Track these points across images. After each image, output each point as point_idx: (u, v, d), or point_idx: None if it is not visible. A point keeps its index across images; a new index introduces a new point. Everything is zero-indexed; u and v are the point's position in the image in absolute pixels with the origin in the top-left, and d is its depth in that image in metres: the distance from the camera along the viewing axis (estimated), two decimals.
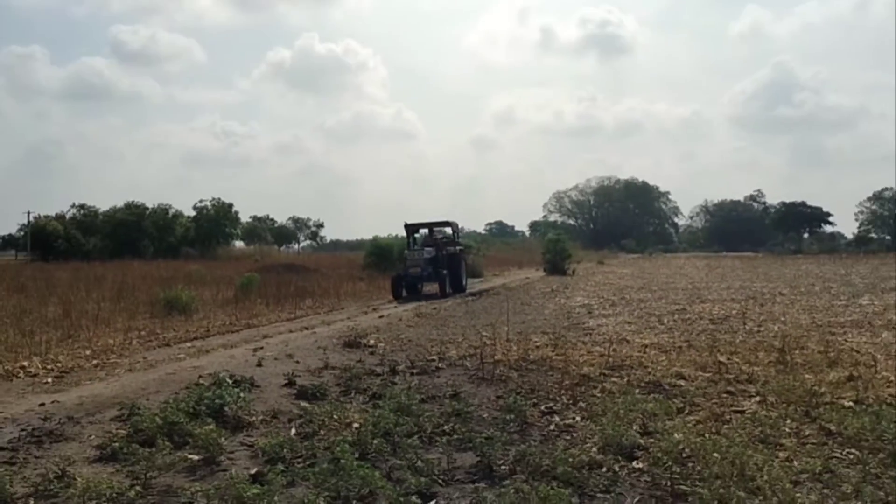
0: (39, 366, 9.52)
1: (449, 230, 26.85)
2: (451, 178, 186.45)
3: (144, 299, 18.96)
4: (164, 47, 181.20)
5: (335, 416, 6.63)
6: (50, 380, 8.76)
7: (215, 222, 71.12)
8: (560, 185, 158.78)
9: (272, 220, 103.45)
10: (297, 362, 9.70)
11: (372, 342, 11.43)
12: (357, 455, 5.43)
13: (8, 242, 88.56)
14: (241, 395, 7.12)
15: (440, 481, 5.06)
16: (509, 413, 6.69)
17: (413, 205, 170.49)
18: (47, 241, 65.69)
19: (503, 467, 5.31)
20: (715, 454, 5.20)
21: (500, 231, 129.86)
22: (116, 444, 5.65)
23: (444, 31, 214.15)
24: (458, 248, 25.64)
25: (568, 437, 6.12)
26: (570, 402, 7.37)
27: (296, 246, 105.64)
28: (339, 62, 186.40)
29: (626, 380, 8.33)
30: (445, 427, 6.31)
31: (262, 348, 10.91)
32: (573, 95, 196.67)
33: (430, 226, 26.20)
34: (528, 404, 7.17)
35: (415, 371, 9.14)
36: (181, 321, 15.42)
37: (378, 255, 34.10)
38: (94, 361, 10.00)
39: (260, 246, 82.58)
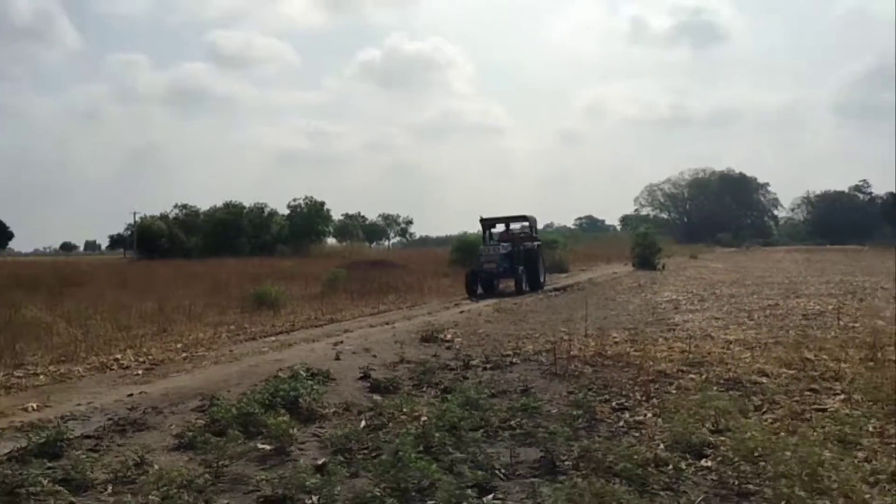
0: (132, 358, 9.98)
1: (526, 225, 25.61)
2: (540, 172, 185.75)
3: (236, 295, 19.60)
4: (258, 51, 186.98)
5: (404, 410, 6.69)
6: (140, 371, 9.17)
7: (308, 220, 72.89)
8: (652, 177, 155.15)
9: (363, 217, 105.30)
10: (374, 356, 9.85)
11: (449, 337, 11.49)
12: (421, 448, 5.48)
13: (117, 242, 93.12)
14: (315, 387, 7.27)
15: (501, 475, 5.07)
16: (578, 409, 6.62)
17: (501, 200, 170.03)
18: (152, 239, 68.74)
19: (566, 462, 5.27)
20: (787, 452, 5.03)
21: (590, 226, 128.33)
22: (192, 434, 5.87)
23: (532, 25, 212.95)
24: (535, 243, 24.46)
25: (636, 434, 6.01)
26: (643, 398, 7.23)
27: (386, 242, 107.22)
28: (427, 60, 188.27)
29: (704, 376, 8.10)
30: (512, 422, 6.29)
31: (341, 342, 11.12)
32: (665, 86, 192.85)
33: (506, 220, 25.22)
34: (599, 400, 7.09)
35: (488, 366, 9.15)
36: (269, 316, 15.87)
37: (463, 251, 34.18)
38: (184, 354, 10.42)
39: (351, 243, 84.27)
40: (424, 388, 7.94)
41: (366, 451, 5.64)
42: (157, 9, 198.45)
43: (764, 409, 6.63)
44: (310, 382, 7.41)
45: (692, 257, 51.72)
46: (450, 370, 8.91)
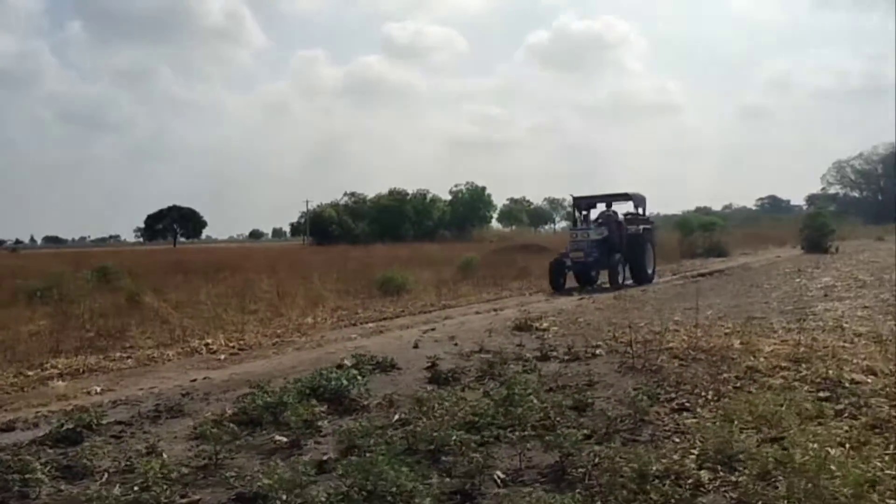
0: (223, 343, 10.24)
1: (630, 205, 21.32)
2: (718, 151, 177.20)
3: (372, 280, 19.82)
4: (429, 40, 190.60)
5: (446, 404, 6.35)
6: (223, 357, 9.39)
7: (470, 205, 73.58)
8: (842, 153, 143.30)
9: (528, 201, 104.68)
10: (456, 344, 9.56)
11: (545, 325, 10.96)
12: (433, 447, 5.14)
13: (296, 230, 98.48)
14: (359, 378, 7.06)
15: (499, 482, 4.63)
16: (630, 408, 6.01)
17: (676, 181, 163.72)
18: (324, 226, 71.94)
19: (579, 471, 4.74)
20: (832, 467, 4.25)
21: (772, 206, 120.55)
22: (208, 425, 5.80)
23: None
24: (641, 227, 20.51)
25: (677, 440, 5.34)
26: (714, 398, 6.46)
27: (551, 226, 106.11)
28: (597, 38, 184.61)
29: (800, 374, 7.17)
30: (546, 422, 5.78)
31: (433, 329, 10.91)
32: (857, 53, 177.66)
33: (605, 199, 21.18)
34: (662, 399, 6.43)
35: (566, 358, 8.58)
36: (389, 302, 15.96)
37: None
38: (275, 340, 10.59)
39: (515, 227, 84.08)
40: (485, 381, 7.53)
41: (380, 447, 5.34)
42: (335, 5, 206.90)
43: (845, 415, 5.71)
44: (354, 372, 7.19)
45: (879, 239, 47.25)
46: (525, 361, 8.43)
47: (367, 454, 5.04)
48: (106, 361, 9.09)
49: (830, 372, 7.18)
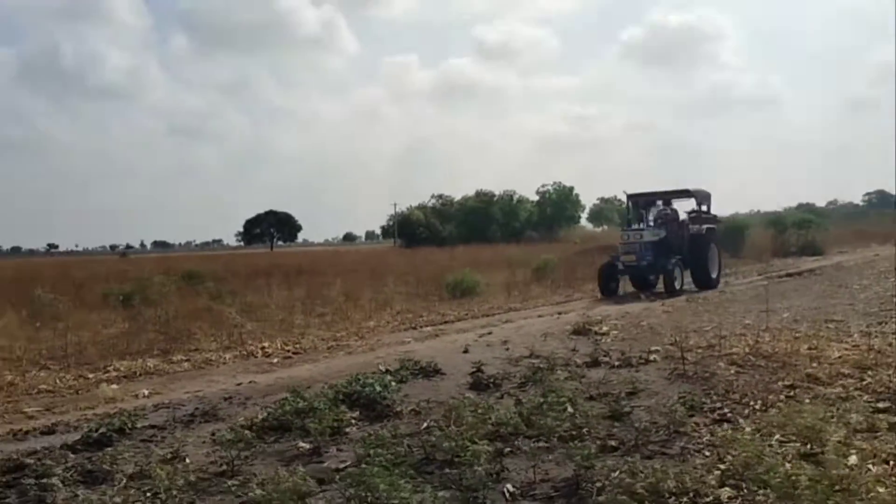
0: (280, 346, 10.35)
1: (693, 203, 19.19)
2: (822, 145, 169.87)
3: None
4: (520, 40, 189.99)
5: (479, 412, 6.19)
6: (276, 360, 9.50)
7: (557, 206, 72.72)
8: None
9: (619, 200, 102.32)
10: (507, 349, 9.40)
11: (605, 329, 10.63)
12: (448, 458, 5.02)
13: (387, 232, 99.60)
14: (394, 384, 6.98)
15: (507, 496, 4.46)
16: (666, 419, 5.73)
17: (776, 177, 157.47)
18: (411, 229, 72.42)
19: (596, 485, 4.52)
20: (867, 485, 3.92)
21: (880, 201, 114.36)
22: (234, 430, 5.83)
23: None
24: (703, 226, 18.69)
25: (708, 454, 5.03)
26: (762, 408, 6.09)
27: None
28: (692, 32, 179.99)
29: (863, 383, 6.70)
30: (575, 432, 5.56)
31: (489, 333, 10.78)
32: None
33: (665, 196, 19.22)
34: (707, 408, 6.11)
35: (618, 364, 8.28)
36: (457, 305, 15.88)
37: None
38: (330, 344, 10.64)
39: (606, 227, 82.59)
40: (527, 388, 7.33)
41: (400, 457, 5.24)
42: (426, 9, 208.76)
43: None
44: (388, 378, 7.11)
45: None
46: (572, 367, 8.18)
47: (380, 463, 4.97)
48: (165, 364, 9.31)
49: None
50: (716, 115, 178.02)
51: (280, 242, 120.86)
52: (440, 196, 77.03)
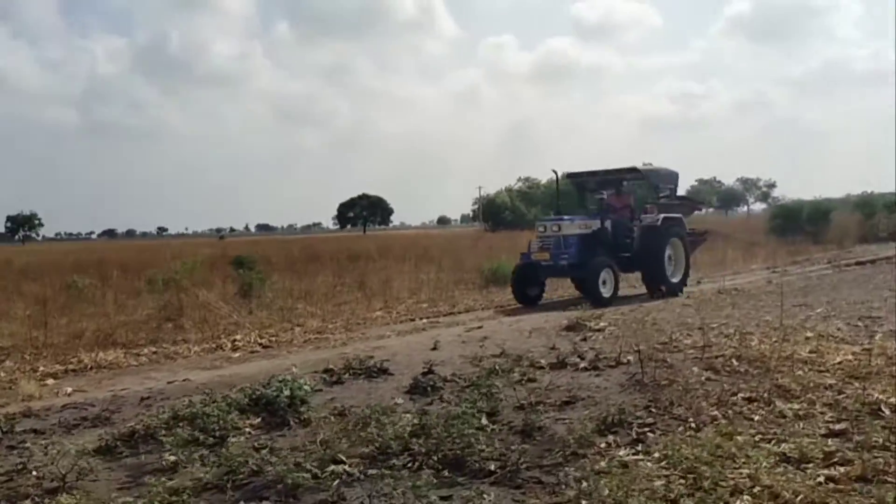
0: (253, 339, 10.00)
1: (642, 183, 16.08)
2: None
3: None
4: (621, 17, 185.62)
5: (384, 421, 5.61)
6: (238, 354, 9.15)
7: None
8: None
9: (719, 181, 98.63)
10: (482, 346, 8.74)
11: (601, 325, 9.79)
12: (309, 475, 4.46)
13: (476, 215, 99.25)
14: (306, 387, 6.43)
15: None
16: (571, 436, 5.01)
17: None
18: (497, 211, 71.79)
19: None
20: None
21: None
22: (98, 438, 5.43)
23: None
24: (660, 216, 14.84)
25: (573, 490, 4.26)
26: (690, 428, 5.25)
27: (744, 208, 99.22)
28: (803, 5, 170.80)
29: (840, 396, 5.76)
30: (460, 451, 4.87)
31: (479, 328, 10.13)
32: None
33: (604, 176, 15.32)
34: (634, 423, 5.34)
35: (584, 366, 7.50)
36: (487, 293, 15.32)
37: (784, 217, 30.05)
38: (309, 337, 10.25)
39: (708, 211, 79.57)
40: (467, 392, 6.65)
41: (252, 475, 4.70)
42: None
43: (835, 460, 4.39)
44: (300, 382, 6.54)
45: None
46: (535, 368, 7.47)
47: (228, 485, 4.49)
48: (126, 357, 9.06)
49: (879, 395, 5.71)
50: (829, 91, 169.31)
51: (377, 225, 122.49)
52: (526, 179, 76.03)
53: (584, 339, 9.01)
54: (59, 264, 26.61)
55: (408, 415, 5.78)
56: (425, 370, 7.42)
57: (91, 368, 8.48)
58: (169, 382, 7.57)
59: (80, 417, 6.16)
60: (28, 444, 5.44)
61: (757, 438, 4.85)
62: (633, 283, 15.63)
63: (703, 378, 6.68)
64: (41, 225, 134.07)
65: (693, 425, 5.28)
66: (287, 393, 6.18)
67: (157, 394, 7.04)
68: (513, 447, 4.94)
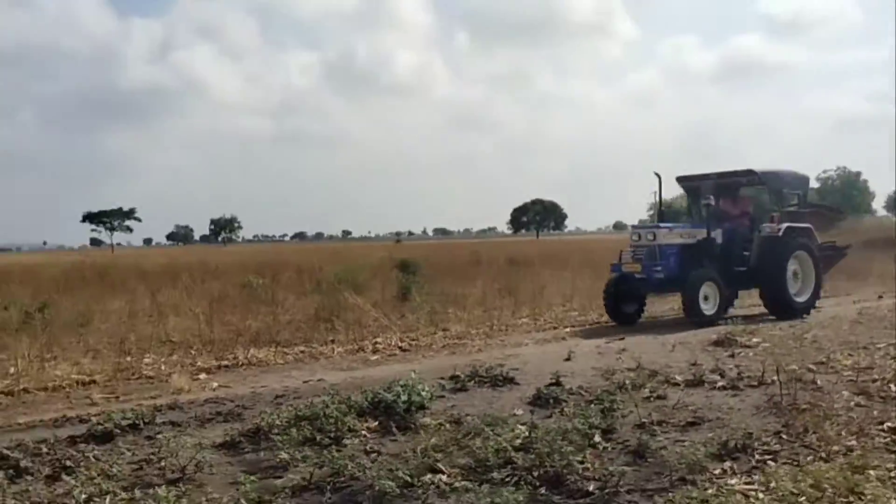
0: (394, 342, 10.20)
1: (763, 188, 14.10)
2: None
3: None
4: (816, 13, 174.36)
5: (494, 432, 5.54)
6: (376, 357, 9.38)
7: (840, 193, 65.66)
8: None
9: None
10: (619, 359, 8.52)
11: (754, 341, 9.16)
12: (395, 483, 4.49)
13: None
14: (424, 393, 6.45)
15: None
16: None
17: None
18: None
19: None
20: None
21: None
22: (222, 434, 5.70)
23: None
24: (782, 226, 12.76)
25: None
26: (817, 459, 4.78)
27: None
28: None
29: None
30: (562, 469, 4.71)
31: (621, 339, 9.81)
32: None
33: (716, 179, 13.36)
34: (759, 451, 4.95)
35: (722, 385, 7.04)
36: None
37: None
38: (449, 342, 10.36)
39: None
40: (588, 407, 6.43)
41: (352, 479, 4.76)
42: None
43: None
44: (422, 387, 6.55)
45: None
46: (669, 385, 7.12)
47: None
48: (273, 356, 9.45)
49: None
50: None
51: (549, 230, 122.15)
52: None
53: (732, 356, 8.50)
54: (245, 265, 28.31)
55: (521, 427, 5.67)
56: (552, 381, 7.28)
57: (242, 365, 8.98)
58: (304, 382, 7.88)
59: (216, 412, 6.51)
60: (161, 436, 5.81)
61: (894, 475, 4.36)
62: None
63: (850, 403, 6.12)
64: (240, 227, 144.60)
65: (823, 455, 4.82)
66: (404, 398, 6.25)
67: (291, 392, 7.34)
68: (618, 468, 4.72)
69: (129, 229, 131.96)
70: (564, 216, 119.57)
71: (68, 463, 5.02)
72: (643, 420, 5.80)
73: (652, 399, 6.58)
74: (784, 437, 5.27)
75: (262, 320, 12.51)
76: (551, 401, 6.63)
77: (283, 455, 5.18)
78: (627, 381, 7.12)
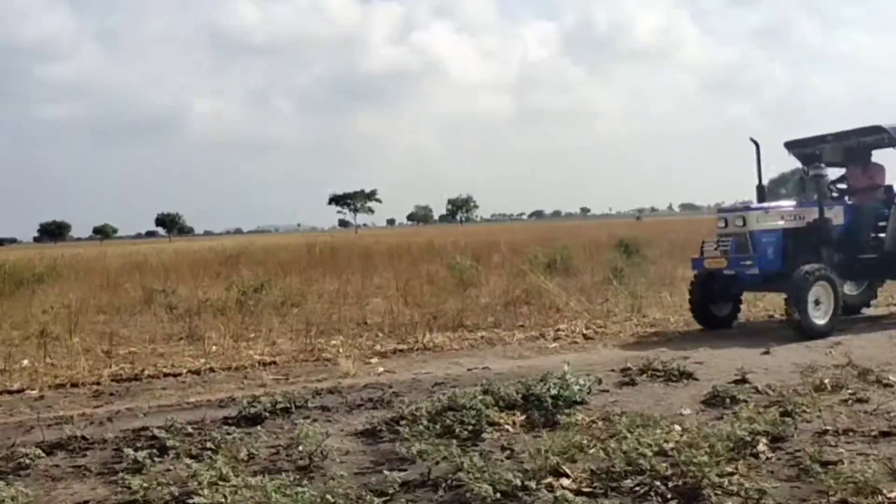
0: (580, 330, 9.66)
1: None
2: None
3: None
4: None
5: (646, 433, 4.97)
6: (554, 345, 8.92)
7: None
8: None
9: None
10: (829, 353, 7.49)
11: None
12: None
13: None
14: (576, 387, 5.93)
15: None
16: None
17: None
18: None
19: None
20: None
21: None
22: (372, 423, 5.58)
23: None
24: None
25: None
26: None
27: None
28: None
29: None
30: (703, 482, 4.07)
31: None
32: None
33: (843, 142, 10.41)
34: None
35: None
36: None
37: None
38: (636, 330, 9.72)
39: None
40: (766, 411, 5.58)
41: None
42: None
43: None
44: (574, 380, 6.02)
45: None
46: (880, 386, 6.04)
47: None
48: (450, 340, 9.29)
49: None
50: None
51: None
52: None
53: None
54: (468, 245, 28.17)
55: (677, 428, 5.06)
56: (737, 377, 6.49)
57: (418, 349, 8.92)
58: (469, 370, 7.64)
59: (369, 398, 6.43)
60: (309, 421, 5.80)
61: None
62: None
63: None
64: (476, 207, 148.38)
65: None
66: (554, 392, 5.82)
67: (451, 380, 7.13)
68: (770, 485, 4.00)
69: (371, 210, 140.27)
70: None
71: (209, 445, 5.13)
72: (826, 427, 4.95)
73: (850, 402, 5.63)
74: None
75: (461, 302, 12.49)
76: (728, 400, 5.86)
77: (417, 447, 4.95)
78: (827, 381, 6.17)
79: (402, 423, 5.51)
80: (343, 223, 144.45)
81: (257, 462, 4.90)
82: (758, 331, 9.68)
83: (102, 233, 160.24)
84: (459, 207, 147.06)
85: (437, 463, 4.53)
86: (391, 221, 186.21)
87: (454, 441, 5.06)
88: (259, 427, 5.64)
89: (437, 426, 5.35)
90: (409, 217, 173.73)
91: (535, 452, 4.64)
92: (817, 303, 8.80)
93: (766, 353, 7.64)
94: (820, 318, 8.78)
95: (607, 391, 6.42)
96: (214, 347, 9.26)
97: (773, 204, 9.81)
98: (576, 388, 5.92)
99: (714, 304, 9.90)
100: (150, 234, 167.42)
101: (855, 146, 10.40)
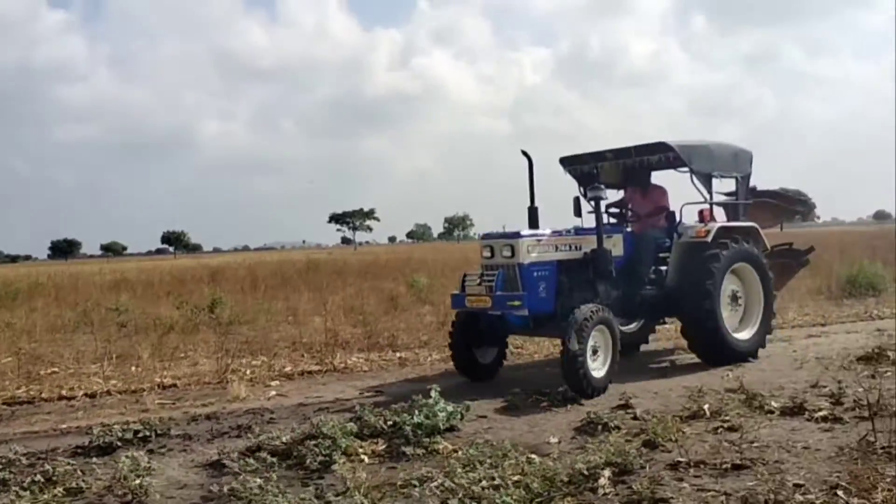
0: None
1: (684, 170, 8.86)
2: None
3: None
4: None
5: (497, 472, 4.69)
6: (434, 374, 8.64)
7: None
8: None
9: None
10: (724, 377, 7.26)
11: None
12: None
13: None
14: (441, 415, 5.66)
15: None
16: None
17: None
18: None
19: None
20: None
21: None
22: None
23: None
24: (713, 227, 8.40)
25: None
26: None
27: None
28: None
29: None
30: None
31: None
32: None
33: (623, 160, 8.98)
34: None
35: (823, 416, 5.62)
36: (839, 305, 13.14)
37: None
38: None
39: None
40: (636, 439, 5.37)
41: None
42: None
43: None
44: (437, 402, 5.81)
45: None
46: (760, 413, 5.85)
47: None
48: (371, 362, 9.12)
49: None
50: None
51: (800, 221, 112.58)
52: None
53: (874, 376, 6.94)
54: (447, 262, 27.36)
55: (535, 458, 4.85)
56: (621, 403, 6.36)
57: (326, 371, 8.67)
58: (360, 393, 7.41)
59: (238, 425, 6.19)
60: (164, 451, 5.59)
61: None
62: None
63: None
64: (472, 225, 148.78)
65: None
66: (417, 420, 5.59)
67: (338, 404, 6.92)
68: None
69: (370, 228, 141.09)
70: (812, 206, 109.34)
71: (40, 479, 4.88)
72: (680, 458, 4.73)
73: (719, 431, 5.42)
74: (840, 495, 3.98)
75: (405, 321, 12.34)
76: (600, 427, 5.65)
77: (254, 482, 4.69)
78: (706, 406, 5.97)
79: (259, 453, 5.29)
80: (346, 240, 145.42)
81: (85, 497, 4.67)
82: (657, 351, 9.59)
83: (111, 250, 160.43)
84: (456, 225, 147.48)
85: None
86: (392, 239, 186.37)
87: (301, 473, 4.89)
88: (109, 457, 5.41)
89: (292, 457, 5.15)
90: (409, 234, 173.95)
91: (367, 489, 4.44)
92: (594, 352, 7.13)
93: (663, 376, 7.41)
94: (598, 370, 7.11)
95: (485, 417, 6.22)
96: (134, 368, 9.06)
97: (547, 231, 7.96)
98: (442, 415, 5.70)
99: (477, 348, 8.10)
100: (160, 251, 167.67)
101: (636, 165, 9.00)
